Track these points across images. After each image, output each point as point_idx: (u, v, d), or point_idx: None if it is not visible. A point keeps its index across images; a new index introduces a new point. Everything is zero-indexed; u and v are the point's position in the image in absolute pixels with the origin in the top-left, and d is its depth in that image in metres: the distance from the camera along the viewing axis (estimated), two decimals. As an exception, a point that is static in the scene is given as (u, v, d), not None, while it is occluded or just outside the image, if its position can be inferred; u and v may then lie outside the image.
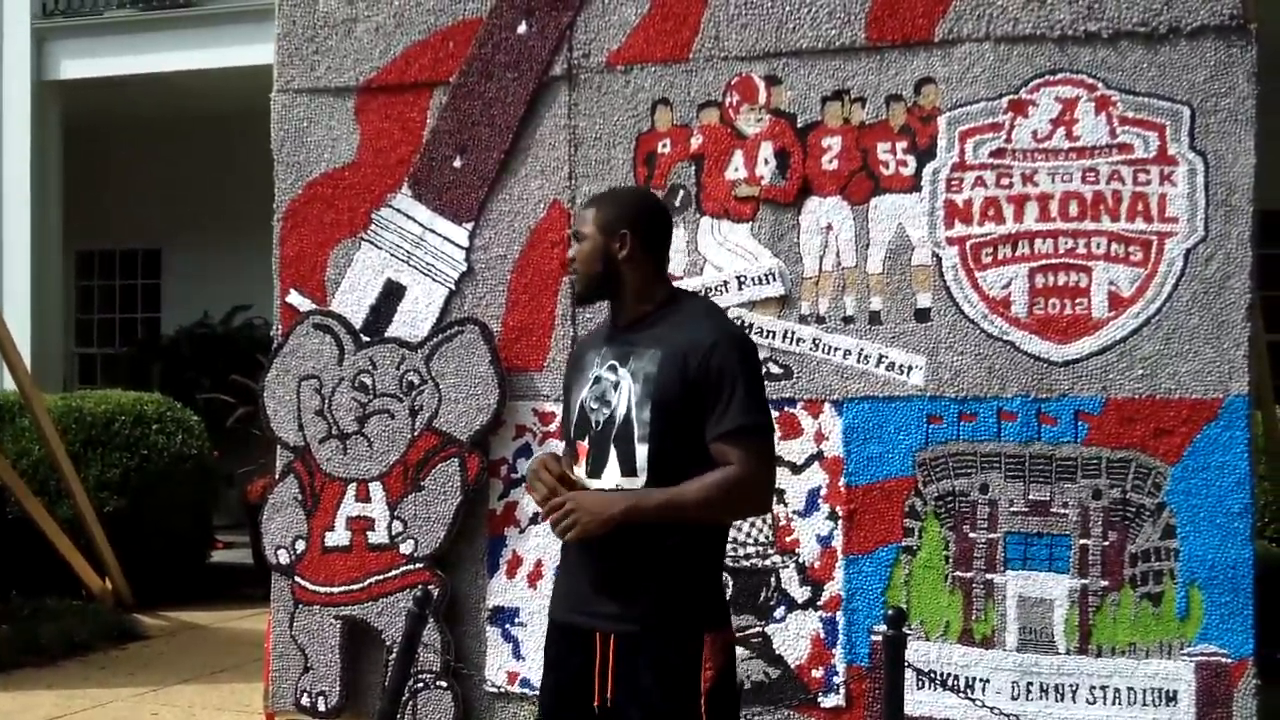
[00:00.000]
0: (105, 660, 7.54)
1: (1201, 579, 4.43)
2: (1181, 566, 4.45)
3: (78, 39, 12.27)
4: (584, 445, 3.15)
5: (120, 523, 8.80)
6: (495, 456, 5.21)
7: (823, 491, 4.81)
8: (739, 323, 4.85)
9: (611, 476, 3.09)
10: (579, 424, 3.17)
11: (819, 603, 4.79)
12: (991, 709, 4.43)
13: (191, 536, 9.75)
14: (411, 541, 5.22)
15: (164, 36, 11.91)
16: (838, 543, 4.78)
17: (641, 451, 3.04)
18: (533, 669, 5.03)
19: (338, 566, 5.31)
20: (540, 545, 5.10)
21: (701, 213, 4.99)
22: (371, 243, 5.38)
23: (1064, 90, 4.62)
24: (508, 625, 5.17)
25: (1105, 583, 4.51)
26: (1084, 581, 4.52)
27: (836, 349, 4.81)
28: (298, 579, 5.36)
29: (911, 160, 4.77)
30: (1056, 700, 4.52)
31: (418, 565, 5.21)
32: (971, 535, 4.64)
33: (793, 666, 4.80)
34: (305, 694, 5.33)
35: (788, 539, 4.83)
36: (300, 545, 5.36)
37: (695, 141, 5.01)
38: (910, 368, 4.73)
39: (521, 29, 5.21)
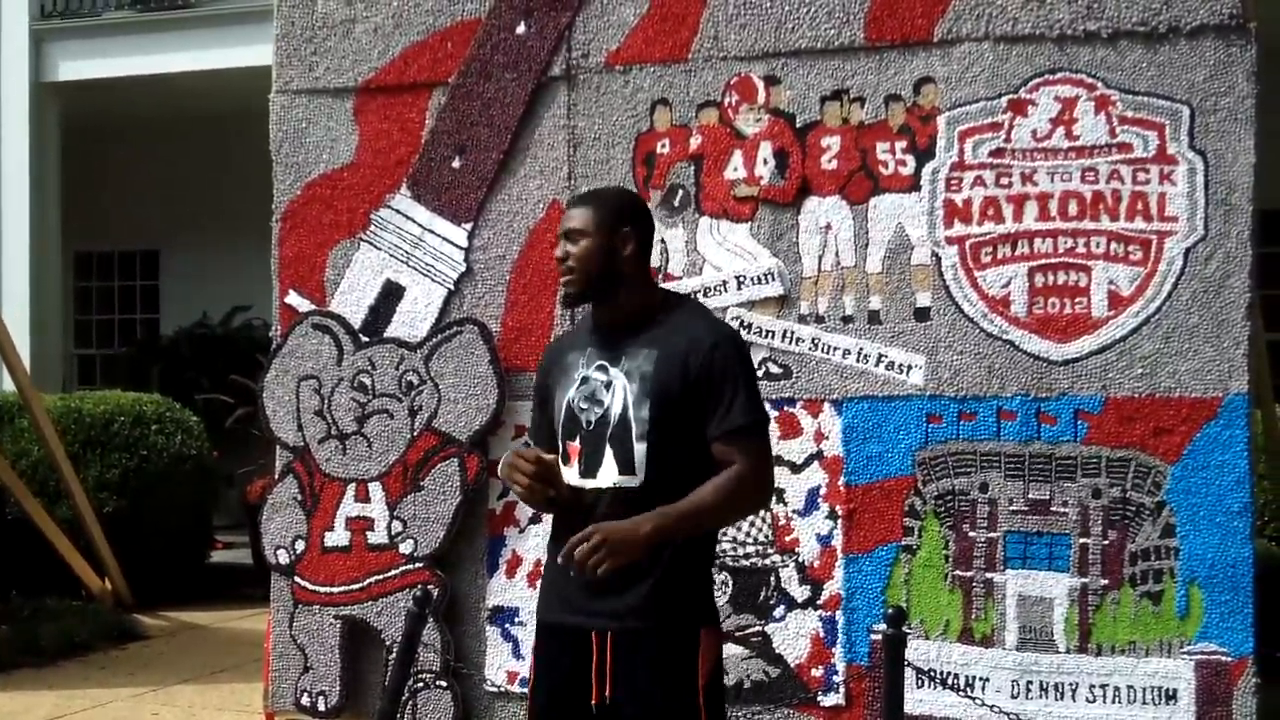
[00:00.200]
0: (105, 660, 7.54)
1: (1201, 578, 4.43)
2: (1181, 565, 4.45)
3: (76, 40, 12.28)
4: (575, 445, 3.14)
5: (120, 523, 8.81)
6: (495, 456, 5.19)
7: (822, 491, 4.81)
8: (738, 322, 4.86)
9: (608, 475, 3.08)
10: (567, 424, 3.15)
11: (819, 602, 4.79)
12: (991, 708, 4.43)
13: (191, 537, 9.76)
14: (411, 541, 5.22)
15: (162, 37, 11.92)
16: (837, 542, 4.78)
17: (639, 449, 3.04)
18: (533, 669, 5.03)
19: (337, 566, 5.31)
20: (540, 545, 5.09)
21: (700, 213, 4.99)
22: (370, 243, 5.38)
23: (1063, 90, 4.62)
24: (507, 625, 5.17)
25: (1105, 581, 4.51)
26: (1084, 580, 4.53)
27: (836, 348, 4.81)
28: (297, 579, 5.36)
29: (911, 160, 4.77)
30: (1056, 699, 4.52)
31: (417, 565, 5.21)
32: (971, 534, 4.65)
33: (792, 665, 4.81)
34: (305, 694, 5.33)
35: (787, 538, 4.83)
36: (300, 545, 5.36)
37: (694, 141, 5.01)
38: (910, 367, 4.73)
39: (520, 29, 5.21)
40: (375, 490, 5.29)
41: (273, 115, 5.55)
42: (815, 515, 4.81)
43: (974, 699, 4.46)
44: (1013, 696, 4.55)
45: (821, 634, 4.78)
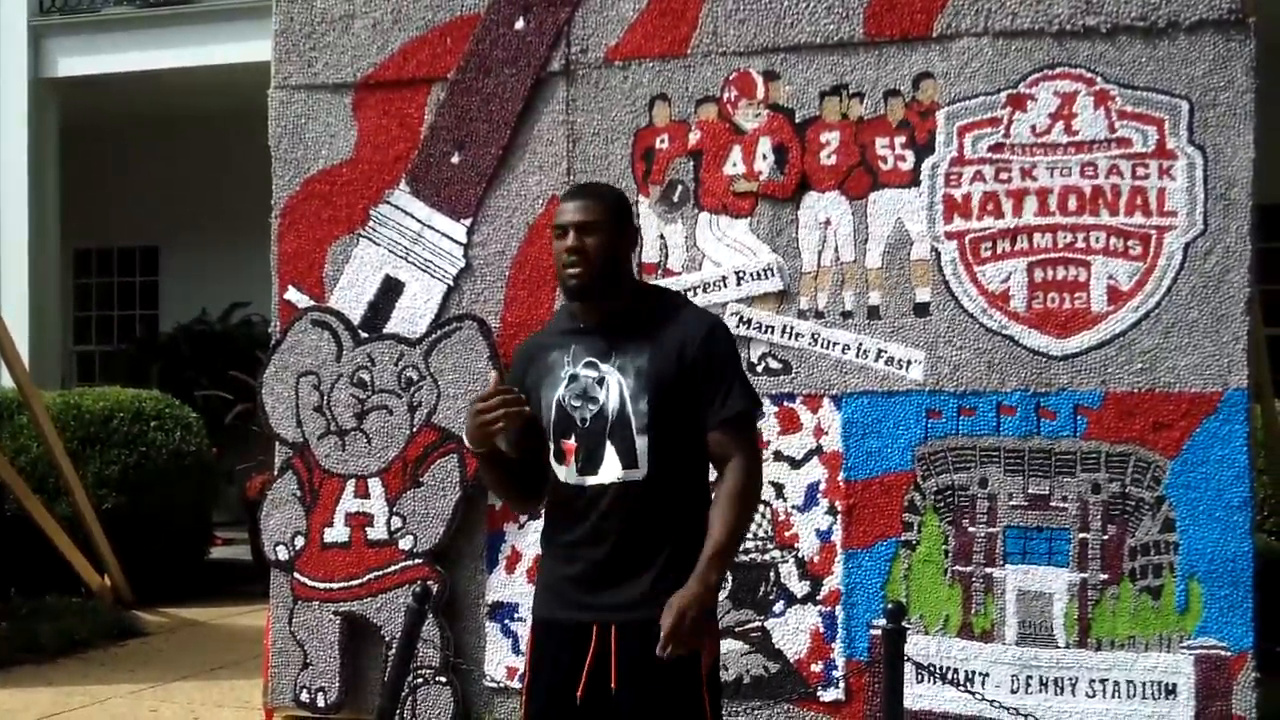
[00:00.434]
0: (105, 657, 7.54)
1: (1201, 572, 4.44)
2: (1181, 560, 4.46)
3: (74, 36, 12.26)
4: (570, 443, 3.13)
5: (119, 520, 8.80)
6: (494, 452, 5.20)
7: (822, 486, 4.81)
8: (737, 318, 4.86)
9: (610, 470, 3.08)
10: (559, 423, 3.14)
11: (818, 597, 4.80)
12: (991, 702, 4.43)
13: (190, 533, 9.74)
14: (410, 537, 5.22)
15: (161, 34, 11.91)
16: (837, 537, 4.78)
17: (641, 443, 3.05)
18: (532, 664, 5.03)
19: (337, 562, 5.31)
20: (539, 541, 5.09)
21: (700, 208, 4.99)
22: (370, 239, 5.38)
23: (1062, 85, 4.62)
24: (507, 620, 5.17)
25: (1104, 576, 4.51)
26: (1083, 575, 4.53)
27: (835, 344, 4.81)
28: (297, 575, 5.36)
29: (910, 155, 4.77)
30: (1056, 693, 4.52)
31: (417, 561, 5.21)
32: (971, 529, 4.65)
33: (792, 661, 4.81)
34: (305, 690, 5.33)
35: (787, 534, 4.83)
36: (299, 541, 5.36)
37: (693, 137, 5.01)
38: (909, 362, 4.73)
39: (519, 25, 5.21)
40: (375, 486, 5.29)
41: (272, 111, 5.55)
42: (815, 510, 4.81)
43: (974, 694, 4.46)
44: (1012, 691, 4.55)
45: (821, 629, 4.78)
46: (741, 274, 4.92)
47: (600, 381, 3.10)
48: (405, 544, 5.23)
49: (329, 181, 5.44)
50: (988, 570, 4.63)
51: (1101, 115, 4.57)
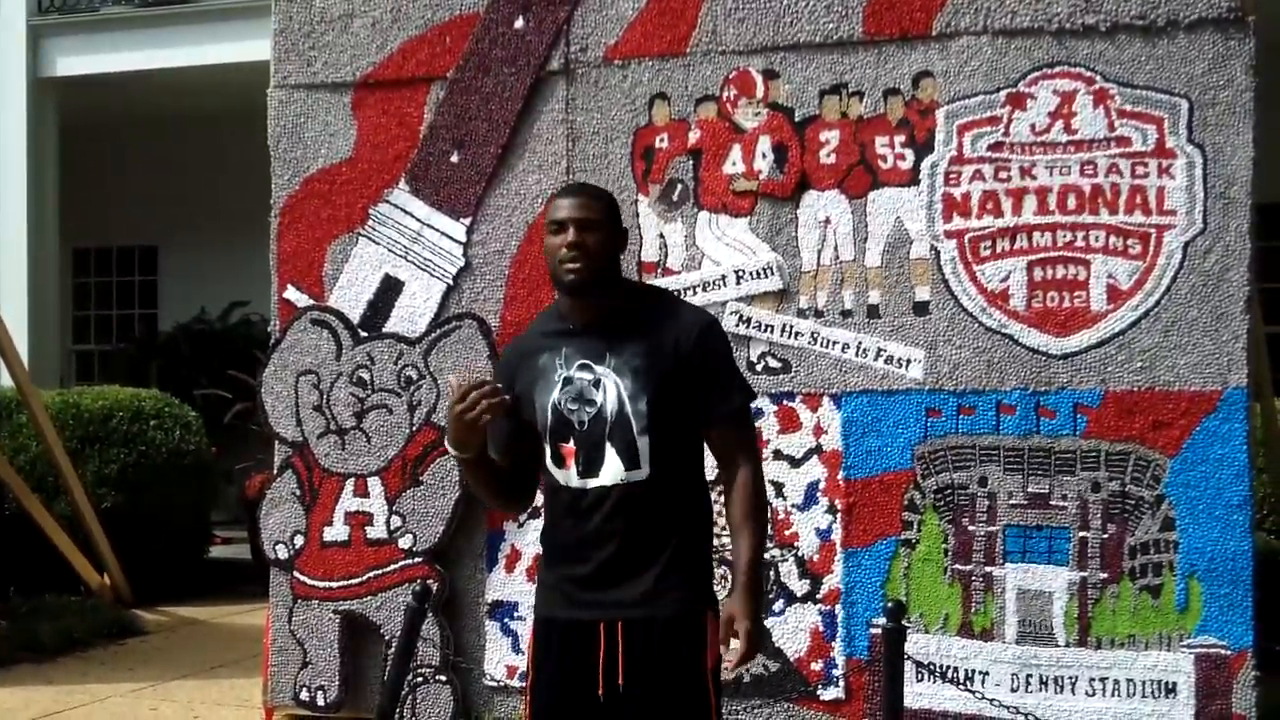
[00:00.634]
0: (104, 656, 7.54)
1: (1201, 571, 4.44)
2: (1181, 559, 4.46)
3: (73, 36, 12.26)
4: (569, 447, 3.12)
5: (118, 519, 8.80)
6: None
7: (821, 485, 4.81)
8: (737, 317, 4.86)
9: (612, 472, 3.08)
10: (556, 427, 3.13)
11: (818, 596, 4.80)
12: (991, 701, 4.43)
13: (190, 532, 9.75)
14: (410, 536, 5.22)
15: (160, 33, 11.90)
16: (837, 536, 4.79)
17: (643, 443, 3.05)
18: (532, 663, 5.03)
19: (336, 561, 5.31)
20: (539, 541, 5.08)
21: (699, 207, 4.99)
22: (369, 238, 5.38)
23: (1062, 83, 4.62)
24: (506, 619, 5.17)
25: (1104, 575, 4.51)
26: (1083, 574, 4.53)
27: (835, 343, 4.81)
28: (296, 574, 5.36)
29: (909, 154, 4.77)
30: (1056, 692, 4.52)
31: (416, 560, 5.21)
32: (970, 528, 4.65)
33: (792, 659, 4.81)
34: (304, 689, 5.33)
35: (787, 532, 4.83)
36: (299, 540, 5.36)
37: (693, 136, 5.01)
38: (909, 361, 4.73)
39: (519, 24, 5.20)
40: (374, 485, 5.29)
41: (271, 110, 5.54)
42: (814, 509, 4.81)
43: (973, 692, 4.46)
44: (1012, 690, 4.56)
45: (821, 628, 4.79)
46: (741, 273, 4.92)
47: (596, 384, 3.09)
48: (405, 543, 5.23)
49: (328, 180, 5.44)
50: (987, 569, 4.63)
51: (1101, 114, 4.57)
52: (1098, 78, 4.58)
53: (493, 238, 5.23)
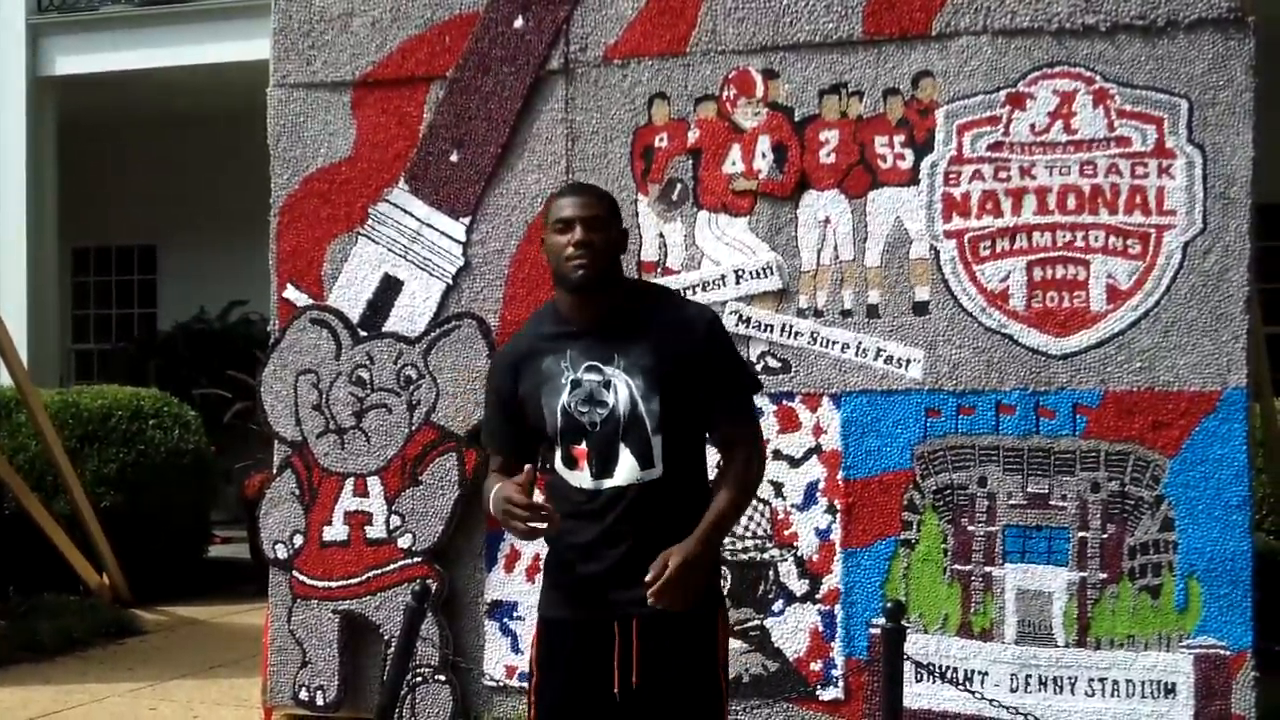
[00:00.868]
0: (103, 655, 7.54)
1: (1200, 571, 4.44)
2: (1180, 559, 4.46)
3: (73, 35, 12.25)
4: (581, 449, 3.13)
5: (117, 518, 8.79)
6: (493, 451, 5.20)
7: (821, 485, 4.81)
8: (736, 316, 4.86)
9: (626, 473, 3.08)
10: (567, 430, 3.13)
11: (817, 596, 4.79)
12: (990, 701, 4.43)
13: (189, 532, 9.74)
14: (409, 536, 5.22)
15: (159, 32, 11.89)
16: (836, 536, 4.78)
17: (657, 443, 3.07)
18: (531, 663, 5.03)
19: (336, 561, 5.31)
20: (538, 540, 5.08)
21: (699, 207, 4.99)
22: (368, 237, 5.37)
23: (1062, 83, 4.62)
24: (506, 619, 5.17)
25: (1104, 575, 4.51)
26: (1082, 574, 4.53)
27: (834, 342, 4.81)
28: (296, 574, 5.36)
29: (909, 154, 4.77)
30: (1055, 693, 4.52)
31: (416, 560, 5.21)
32: (970, 528, 4.65)
33: (791, 660, 4.81)
34: (303, 688, 5.33)
35: (786, 532, 4.83)
36: (298, 540, 5.35)
37: (692, 135, 5.01)
38: (908, 361, 4.73)
39: (518, 23, 5.20)
40: (374, 485, 5.29)
41: (270, 109, 5.54)
42: (814, 509, 4.81)
43: (973, 693, 4.46)
44: (1012, 690, 4.55)
45: (820, 628, 4.78)
46: (741, 273, 4.92)
47: (606, 385, 3.10)
48: (404, 542, 5.23)
49: (328, 180, 5.44)
50: (987, 569, 4.63)
51: (1101, 114, 4.57)
52: (1097, 78, 4.58)
53: (492, 237, 5.23)
